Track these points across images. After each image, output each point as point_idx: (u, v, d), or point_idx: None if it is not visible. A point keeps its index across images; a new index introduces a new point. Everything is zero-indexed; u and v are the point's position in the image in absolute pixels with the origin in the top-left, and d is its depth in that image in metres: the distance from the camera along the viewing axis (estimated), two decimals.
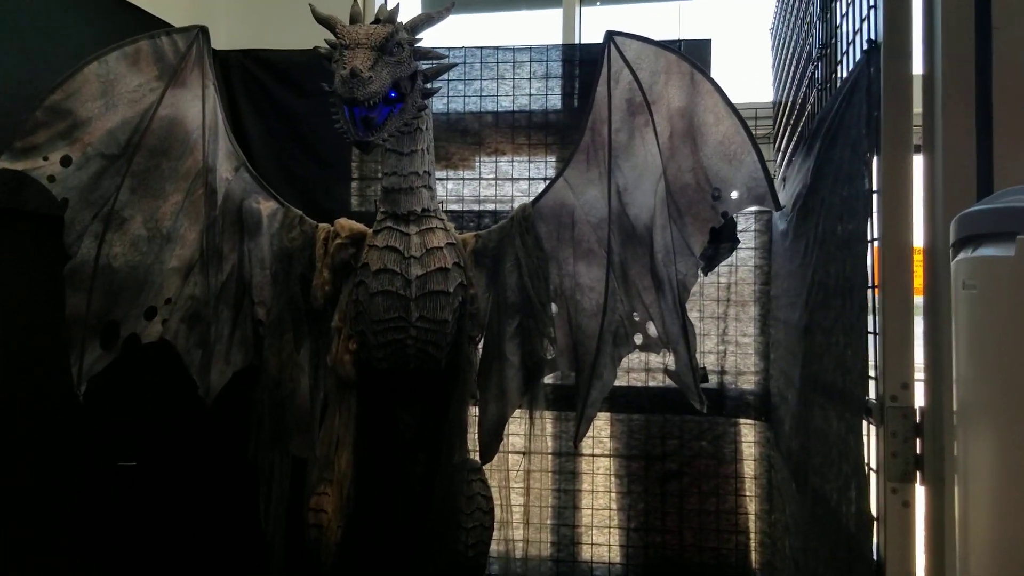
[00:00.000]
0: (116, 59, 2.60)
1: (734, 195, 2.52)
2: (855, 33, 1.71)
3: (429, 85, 2.45)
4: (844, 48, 1.85)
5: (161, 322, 2.73)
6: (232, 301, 2.77)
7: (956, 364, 1.11)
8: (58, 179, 2.54)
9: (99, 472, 3.06)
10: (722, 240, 2.61)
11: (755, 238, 3.66)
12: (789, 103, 3.05)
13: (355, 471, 2.64)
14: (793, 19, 3.06)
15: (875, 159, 1.52)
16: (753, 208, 2.96)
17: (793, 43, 3.03)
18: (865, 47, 1.55)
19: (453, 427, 2.69)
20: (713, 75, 2.57)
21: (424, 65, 2.43)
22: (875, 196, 1.51)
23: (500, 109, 3.65)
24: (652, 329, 2.64)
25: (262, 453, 2.74)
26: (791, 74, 3.07)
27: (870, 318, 1.52)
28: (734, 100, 2.51)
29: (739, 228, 2.66)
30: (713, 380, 3.59)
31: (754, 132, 2.55)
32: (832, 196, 1.77)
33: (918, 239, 1.52)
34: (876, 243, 1.52)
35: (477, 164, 3.70)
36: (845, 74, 1.87)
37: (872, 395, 1.53)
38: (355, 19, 2.36)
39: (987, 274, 0.97)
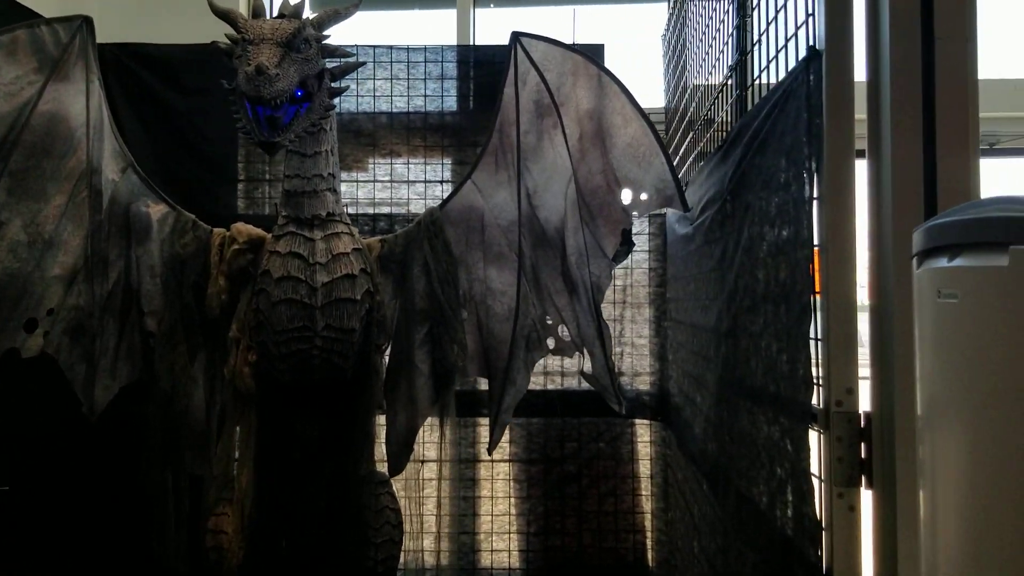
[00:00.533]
0: None
1: (643, 196, 2.54)
2: (787, 41, 1.73)
3: (336, 84, 2.36)
4: (771, 56, 1.87)
5: (42, 334, 2.52)
6: (118, 311, 2.59)
7: (921, 370, 1.12)
8: None
9: None
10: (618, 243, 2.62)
11: (649, 241, 3.72)
12: (691, 110, 3.09)
13: (256, 488, 2.52)
14: (694, 28, 3.10)
15: (814, 166, 1.53)
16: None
17: (695, 52, 3.07)
18: (806, 54, 1.57)
19: (359, 439, 2.59)
20: None
21: (331, 63, 2.34)
22: (815, 203, 1.53)
23: (395, 110, 3.57)
24: (565, 332, 2.62)
25: (153, 472, 2.57)
26: (689, 82, 3.11)
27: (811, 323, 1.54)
28: None
29: (633, 231, 2.67)
30: None
31: None
32: (761, 202, 1.78)
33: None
34: (816, 249, 1.54)
35: (371, 166, 3.61)
36: (769, 81, 1.89)
37: (814, 400, 1.55)
38: (258, 13, 2.25)
39: (971, 284, 0.98)
